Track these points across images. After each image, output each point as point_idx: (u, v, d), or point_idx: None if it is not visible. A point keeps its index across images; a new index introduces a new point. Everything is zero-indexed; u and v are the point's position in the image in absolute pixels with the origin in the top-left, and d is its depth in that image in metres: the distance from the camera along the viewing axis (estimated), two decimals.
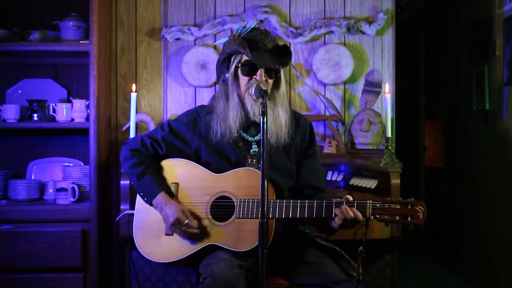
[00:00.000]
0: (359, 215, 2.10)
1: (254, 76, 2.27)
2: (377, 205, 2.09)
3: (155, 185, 2.32)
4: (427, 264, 4.92)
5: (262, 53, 2.27)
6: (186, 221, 2.24)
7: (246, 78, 2.29)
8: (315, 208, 2.15)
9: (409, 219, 2.06)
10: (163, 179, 2.37)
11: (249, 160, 2.35)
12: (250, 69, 2.28)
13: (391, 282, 2.92)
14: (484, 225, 3.99)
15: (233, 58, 2.32)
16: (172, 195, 2.34)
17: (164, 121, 3.40)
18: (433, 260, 5.03)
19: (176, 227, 2.26)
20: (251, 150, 2.36)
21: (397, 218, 2.07)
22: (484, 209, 4.00)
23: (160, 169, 2.40)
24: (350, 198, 2.13)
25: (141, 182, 2.34)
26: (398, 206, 2.08)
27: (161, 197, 2.30)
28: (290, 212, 2.17)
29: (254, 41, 2.29)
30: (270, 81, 2.30)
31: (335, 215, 2.13)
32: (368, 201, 2.11)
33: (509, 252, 3.57)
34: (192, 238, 2.27)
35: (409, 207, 2.07)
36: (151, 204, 2.33)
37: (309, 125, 2.47)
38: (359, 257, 2.09)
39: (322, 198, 2.34)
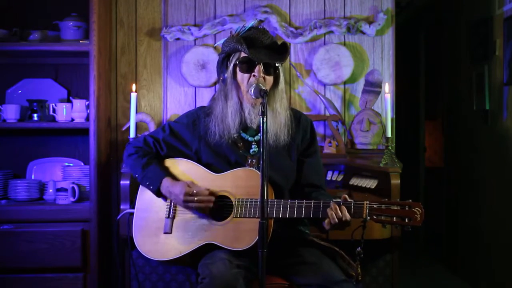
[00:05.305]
0: (347, 215, 2.08)
1: (253, 73, 2.27)
2: (374, 206, 2.08)
3: (161, 172, 2.34)
4: (427, 265, 4.92)
5: (260, 50, 2.28)
6: (196, 189, 2.24)
7: (245, 76, 2.29)
8: (312, 208, 2.15)
9: (406, 220, 2.05)
10: (167, 169, 2.39)
11: (249, 160, 2.35)
12: (248, 66, 2.28)
13: (391, 282, 2.92)
14: (483, 225, 3.99)
15: (231, 57, 2.33)
16: (177, 180, 2.34)
17: (164, 121, 3.40)
18: (433, 260, 5.03)
19: (188, 202, 2.25)
20: (251, 150, 2.37)
21: (395, 219, 2.06)
22: (483, 209, 4.00)
23: (163, 162, 2.42)
24: (347, 198, 2.13)
25: (147, 172, 2.35)
26: (396, 207, 2.07)
27: (167, 181, 2.31)
28: (288, 211, 2.17)
29: (252, 38, 2.30)
30: (269, 78, 2.30)
31: (325, 215, 2.12)
32: (365, 201, 2.10)
33: (508, 252, 3.57)
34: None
35: (407, 209, 2.06)
36: (158, 192, 2.33)
37: (310, 123, 2.47)
38: (358, 258, 2.09)
39: (320, 195, 2.35)
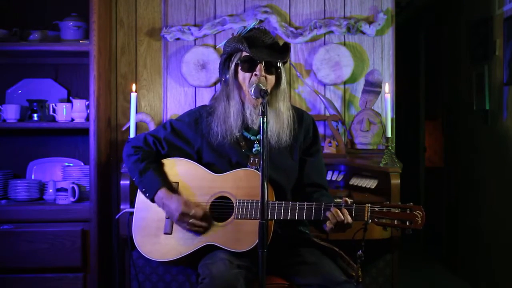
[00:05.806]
0: (349, 217, 2.09)
1: (254, 72, 2.27)
2: (376, 209, 2.09)
3: (157, 181, 2.32)
4: (427, 265, 4.92)
5: (261, 49, 2.28)
6: (193, 211, 2.24)
7: (246, 75, 2.28)
8: (313, 210, 2.15)
9: (407, 223, 2.05)
10: (165, 176, 2.38)
11: (251, 159, 2.34)
12: (249, 65, 2.28)
13: (391, 282, 2.92)
14: (483, 225, 3.99)
15: (233, 57, 2.33)
16: (174, 191, 2.34)
17: (164, 121, 3.40)
18: (433, 260, 5.03)
19: (182, 221, 2.26)
20: (254, 149, 2.36)
21: (396, 222, 2.06)
22: (483, 209, 4.00)
23: (162, 165, 2.41)
24: (349, 201, 2.13)
25: (143, 178, 2.34)
26: (397, 210, 2.07)
27: (162, 192, 2.30)
28: (289, 213, 2.16)
29: (253, 38, 2.31)
30: (270, 77, 2.29)
31: (327, 217, 2.13)
32: (366, 204, 2.10)
33: (508, 252, 3.57)
34: (194, 233, 2.27)
35: (408, 212, 2.06)
36: (152, 200, 2.33)
37: (312, 121, 2.47)
38: (358, 260, 2.09)
39: (322, 195, 2.35)
